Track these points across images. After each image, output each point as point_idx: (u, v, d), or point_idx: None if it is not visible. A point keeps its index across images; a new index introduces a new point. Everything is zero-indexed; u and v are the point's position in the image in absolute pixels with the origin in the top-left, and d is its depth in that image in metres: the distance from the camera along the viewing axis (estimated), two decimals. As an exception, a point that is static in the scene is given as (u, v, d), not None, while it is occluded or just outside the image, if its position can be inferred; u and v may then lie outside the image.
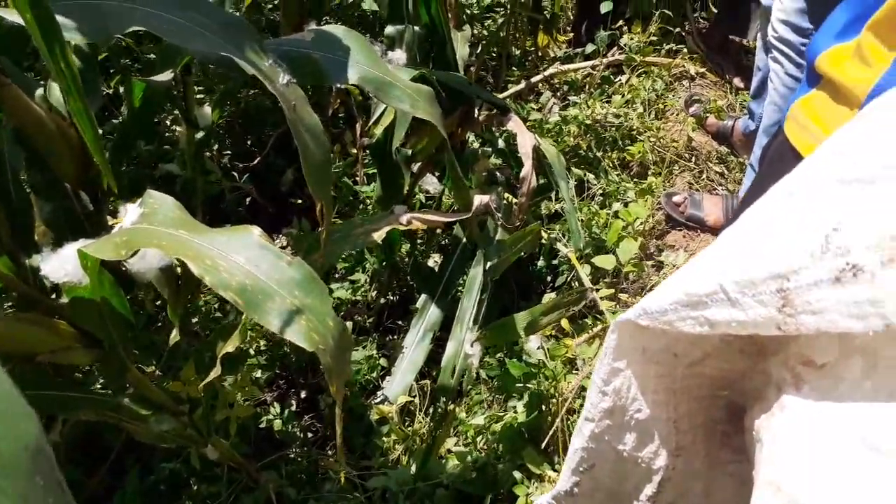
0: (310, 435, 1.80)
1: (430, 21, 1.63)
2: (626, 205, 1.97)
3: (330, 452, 1.75)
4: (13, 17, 0.82)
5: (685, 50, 2.57)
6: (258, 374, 1.82)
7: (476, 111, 1.78)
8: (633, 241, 1.53)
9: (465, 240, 2.06)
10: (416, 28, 1.58)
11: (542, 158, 1.60)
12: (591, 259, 1.73)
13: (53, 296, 1.12)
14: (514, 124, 1.54)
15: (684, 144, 2.21)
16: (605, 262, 1.59)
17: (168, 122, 2.36)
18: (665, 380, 0.63)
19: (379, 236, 1.14)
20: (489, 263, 1.47)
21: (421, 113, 1.10)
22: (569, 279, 1.86)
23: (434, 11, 1.60)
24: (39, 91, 1.34)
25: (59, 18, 0.82)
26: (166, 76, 1.21)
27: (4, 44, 0.96)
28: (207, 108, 1.88)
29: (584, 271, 1.73)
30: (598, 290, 1.69)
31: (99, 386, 1.38)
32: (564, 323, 1.63)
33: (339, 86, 1.92)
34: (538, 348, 1.63)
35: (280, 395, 1.93)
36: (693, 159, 2.22)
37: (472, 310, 1.61)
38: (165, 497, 1.59)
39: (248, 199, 2.37)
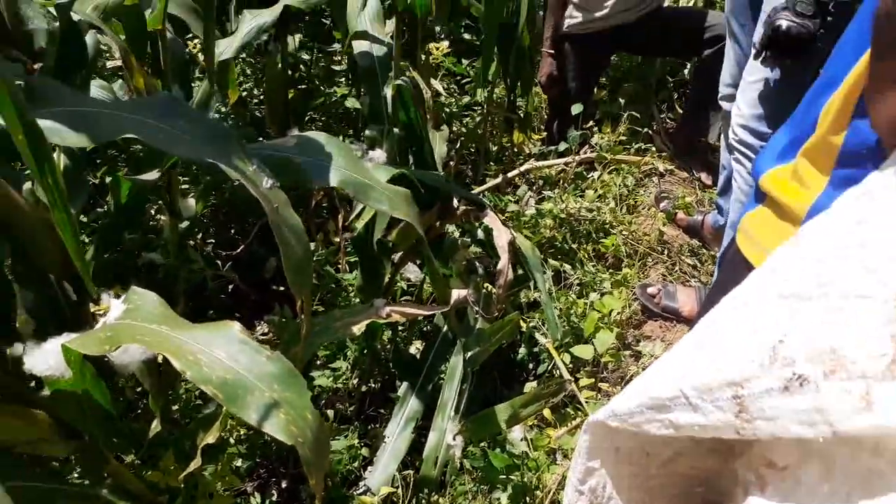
0: (288, 528, 1.76)
1: (408, 122, 1.72)
2: (602, 295, 2.03)
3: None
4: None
5: (653, 148, 2.71)
6: (238, 462, 1.79)
7: (456, 203, 1.86)
8: (610, 331, 1.57)
9: (446, 327, 2.09)
10: (396, 129, 1.67)
11: (519, 251, 1.66)
12: (570, 348, 1.76)
13: (33, 384, 1.12)
14: (490, 219, 1.61)
15: (656, 238, 2.30)
16: (583, 351, 1.63)
17: (153, 212, 2.41)
18: (639, 479, 0.65)
19: (358, 329, 1.17)
20: (468, 354, 1.50)
21: (398, 213, 1.16)
22: (550, 367, 1.89)
23: (412, 114, 1.69)
24: (27, 185, 1.38)
25: (52, 124, 0.87)
26: (153, 175, 1.26)
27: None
28: (192, 201, 1.93)
29: (565, 360, 1.76)
30: (578, 380, 1.72)
31: (76, 476, 1.36)
32: (547, 412, 1.64)
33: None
34: (521, 439, 1.64)
35: (261, 485, 1.89)
36: (665, 252, 2.30)
37: (453, 400, 1.62)
38: None
39: (230, 287, 2.39)
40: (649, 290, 2.10)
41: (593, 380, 1.66)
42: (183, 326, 0.82)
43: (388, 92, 1.68)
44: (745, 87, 1.74)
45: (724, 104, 2.05)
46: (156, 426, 1.37)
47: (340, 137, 2.71)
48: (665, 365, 0.58)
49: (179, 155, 0.92)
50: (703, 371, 0.50)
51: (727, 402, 0.47)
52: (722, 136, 2.12)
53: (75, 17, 1.20)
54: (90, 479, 1.15)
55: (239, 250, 2.46)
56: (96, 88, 1.72)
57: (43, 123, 0.85)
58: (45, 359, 0.84)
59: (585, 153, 2.63)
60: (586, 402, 1.62)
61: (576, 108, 2.57)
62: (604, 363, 1.74)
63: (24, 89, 0.97)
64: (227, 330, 0.81)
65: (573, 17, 2.66)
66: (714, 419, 0.48)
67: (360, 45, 1.81)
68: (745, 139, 1.77)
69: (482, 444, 1.70)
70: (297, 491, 1.82)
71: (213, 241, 2.52)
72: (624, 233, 2.29)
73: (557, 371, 1.83)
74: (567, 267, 2.15)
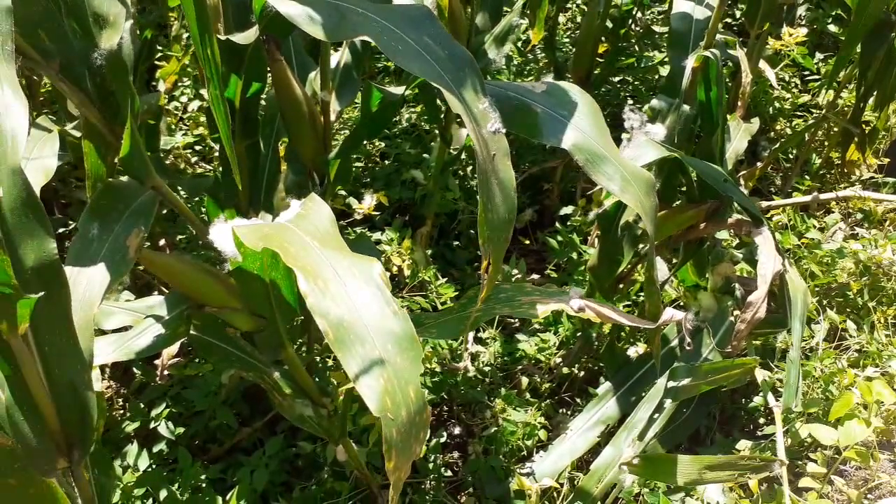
0: (448, 473, 1.75)
1: (706, 102, 1.48)
2: (884, 374, 1.61)
3: (463, 500, 1.69)
4: (282, 6, 0.88)
5: None
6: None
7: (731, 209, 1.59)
8: (865, 425, 1.22)
9: (676, 341, 1.86)
10: (686, 107, 1.45)
11: (786, 289, 1.37)
12: (810, 423, 1.43)
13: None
14: (763, 240, 1.34)
15: None
16: (823, 435, 1.30)
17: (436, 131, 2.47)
18: None
19: (543, 313, 1.05)
20: (671, 383, 1.29)
21: (629, 199, 0.98)
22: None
23: (713, 94, 1.45)
24: (312, 74, 1.46)
25: (308, 10, 0.86)
26: (399, 90, 1.24)
27: (276, 27, 1.05)
28: (464, 132, 1.92)
29: (800, 434, 1.44)
30: (808, 461, 1.40)
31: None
32: (753, 484, 1.36)
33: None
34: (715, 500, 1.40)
35: (434, 423, 1.90)
36: None
37: (643, 423, 1.43)
38: (298, 472, 1.66)
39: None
40: (955, 390, 1.61)
41: (825, 471, 1.33)
42: (335, 248, 0.77)
43: (691, 62, 1.45)
44: None
45: None
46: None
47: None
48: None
49: (410, 70, 0.86)
50: None
51: None
52: None
53: None
54: (265, 359, 1.22)
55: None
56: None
57: (299, 8, 0.85)
58: (220, 236, 0.86)
59: (934, 197, 2.09)
60: (808, 492, 1.31)
61: (941, 140, 2.03)
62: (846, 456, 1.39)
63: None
64: (368, 267, 0.74)
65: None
66: None
67: (681, 6, 1.60)
68: None
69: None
70: (466, 444, 1.79)
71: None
72: (948, 310, 1.78)
73: (787, 439, 1.51)
74: (851, 325, 1.75)
